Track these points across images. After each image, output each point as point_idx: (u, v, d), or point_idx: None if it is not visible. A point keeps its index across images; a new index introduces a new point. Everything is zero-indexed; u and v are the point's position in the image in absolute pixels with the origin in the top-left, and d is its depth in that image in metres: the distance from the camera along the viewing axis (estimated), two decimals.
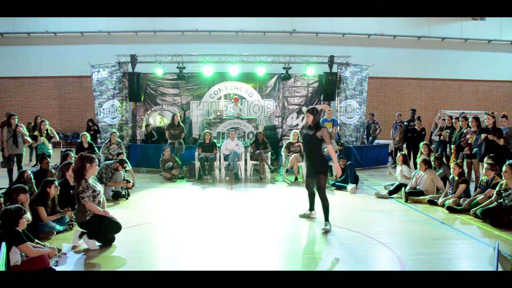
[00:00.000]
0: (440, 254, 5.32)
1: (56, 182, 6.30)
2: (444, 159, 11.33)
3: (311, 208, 6.99)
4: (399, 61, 20.47)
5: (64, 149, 13.25)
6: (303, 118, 14.13)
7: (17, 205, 4.75)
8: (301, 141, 6.87)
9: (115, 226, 5.52)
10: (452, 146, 10.53)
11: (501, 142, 8.52)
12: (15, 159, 9.25)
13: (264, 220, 7.00)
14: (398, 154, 9.76)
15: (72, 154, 8.78)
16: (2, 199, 5.61)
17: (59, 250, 5.08)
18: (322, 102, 14.10)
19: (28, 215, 5.19)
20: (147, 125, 13.50)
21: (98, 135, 13.49)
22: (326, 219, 6.28)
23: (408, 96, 20.99)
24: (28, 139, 9.44)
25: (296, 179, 10.54)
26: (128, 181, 8.65)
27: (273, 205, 8.27)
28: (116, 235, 5.56)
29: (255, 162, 11.20)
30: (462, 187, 7.69)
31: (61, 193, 6.59)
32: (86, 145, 10.24)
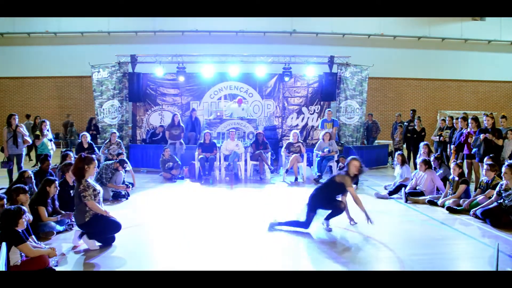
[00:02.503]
0: (440, 254, 5.32)
1: (56, 182, 6.30)
2: (444, 159, 11.34)
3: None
4: (399, 62, 20.46)
5: (64, 149, 13.26)
6: (303, 119, 14.15)
7: (16, 205, 4.76)
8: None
9: (115, 226, 5.52)
10: (452, 146, 10.53)
11: (500, 142, 8.52)
12: (15, 159, 9.25)
13: (264, 220, 6.99)
14: (397, 154, 9.73)
15: (72, 154, 8.77)
16: (5, 200, 5.59)
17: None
18: (322, 102, 14.11)
19: (29, 215, 5.18)
20: (160, 126, 13.43)
21: (98, 135, 13.49)
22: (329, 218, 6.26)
23: (408, 96, 20.98)
24: (28, 139, 9.43)
25: (296, 179, 10.54)
26: (127, 186, 8.65)
27: (273, 205, 8.26)
28: (116, 235, 5.55)
29: (255, 163, 11.20)
30: (462, 187, 7.69)
31: (61, 194, 6.59)
32: (86, 145, 10.24)
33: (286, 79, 13.78)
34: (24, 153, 9.40)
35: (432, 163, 8.80)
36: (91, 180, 5.47)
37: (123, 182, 8.76)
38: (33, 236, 4.89)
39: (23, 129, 9.35)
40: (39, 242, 5.00)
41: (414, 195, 8.35)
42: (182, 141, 11.87)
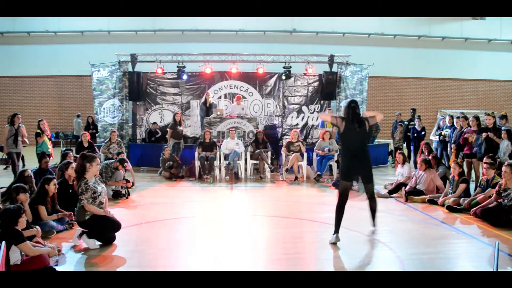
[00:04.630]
0: (440, 254, 5.32)
1: (54, 180, 6.29)
2: (444, 158, 11.32)
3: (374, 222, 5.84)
4: (399, 61, 20.47)
5: (64, 148, 13.26)
6: (303, 118, 14.15)
7: (16, 204, 4.76)
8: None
9: (114, 225, 5.52)
10: (452, 145, 10.52)
11: (500, 141, 8.52)
12: (15, 157, 9.33)
13: (263, 219, 7.01)
14: (398, 153, 9.73)
15: (72, 153, 8.77)
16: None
17: (59, 251, 5.07)
18: (322, 101, 14.11)
19: (37, 229, 5.18)
20: (154, 123, 13.42)
21: (97, 134, 13.48)
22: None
23: (408, 95, 20.99)
24: (26, 140, 9.51)
25: (296, 178, 10.54)
26: (128, 181, 8.65)
27: (273, 204, 8.27)
28: (116, 235, 5.56)
29: (255, 162, 11.20)
30: (462, 186, 7.69)
31: (60, 193, 6.59)
32: (86, 144, 10.24)
33: (286, 78, 13.78)
34: (22, 152, 9.46)
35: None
36: (93, 179, 5.46)
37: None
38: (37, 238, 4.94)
39: (24, 130, 9.45)
40: (50, 244, 5.03)
41: (414, 194, 8.35)
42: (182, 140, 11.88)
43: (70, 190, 6.88)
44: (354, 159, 5.51)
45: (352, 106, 5.47)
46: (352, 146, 5.50)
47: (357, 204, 8.07)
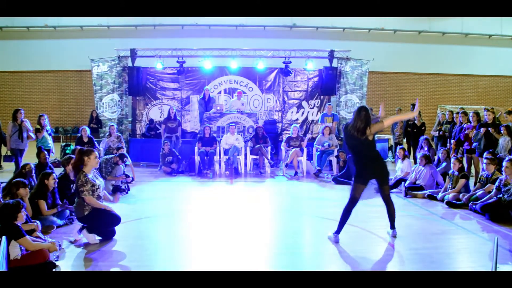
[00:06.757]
0: (440, 249, 5.33)
1: (54, 174, 6.29)
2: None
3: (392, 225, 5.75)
4: (399, 56, 20.39)
5: (64, 143, 13.26)
6: (303, 113, 14.14)
7: (15, 199, 4.76)
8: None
9: (114, 219, 5.52)
10: (452, 141, 10.53)
11: (500, 137, 8.53)
12: (18, 153, 9.34)
13: (263, 215, 7.01)
14: (398, 148, 9.74)
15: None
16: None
17: (59, 245, 5.07)
18: (322, 97, 14.09)
19: (37, 223, 5.20)
20: (151, 121, 13.41)
21: (100, 129, 13.42)
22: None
23: (408, 91, 20.93)
24: (32, 134, 9.50)
25: (295, 173, 10.55)
26: (127, 176, 8.65)
27: (272, 199, 8.28)
28: (116, 229, 5.56)
29: (255, 157, 11.20)
30: (461, 182, 7.70)
31: (61, 187, 6.59)
32: (86, 139, 10.23)
33: (286, 73, 13.75)
34: (27, 148, 9.46)
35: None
36: (92, 173, 5.46)
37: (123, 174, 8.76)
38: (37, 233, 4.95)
39: (28, 124, 9.43)
40: (47, 239, 5.04)
41: (413, 190, 8.36)
42: (178, 135, 11.85)
43: (71, 185, 6.88)
44: (365, 163, 5.45)
45: (360, 113, 5.43)
46: (356, 153, 5.46)
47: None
